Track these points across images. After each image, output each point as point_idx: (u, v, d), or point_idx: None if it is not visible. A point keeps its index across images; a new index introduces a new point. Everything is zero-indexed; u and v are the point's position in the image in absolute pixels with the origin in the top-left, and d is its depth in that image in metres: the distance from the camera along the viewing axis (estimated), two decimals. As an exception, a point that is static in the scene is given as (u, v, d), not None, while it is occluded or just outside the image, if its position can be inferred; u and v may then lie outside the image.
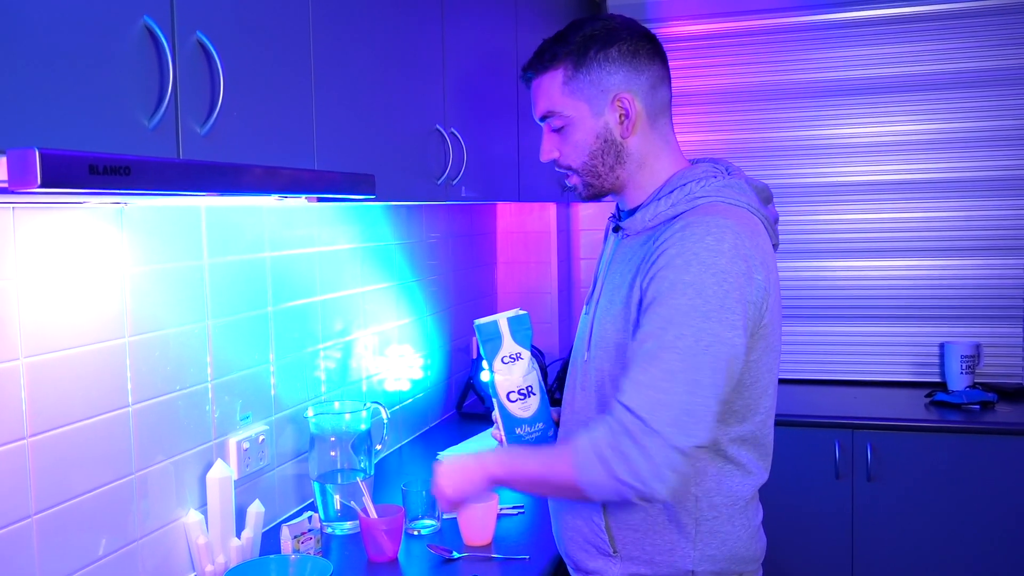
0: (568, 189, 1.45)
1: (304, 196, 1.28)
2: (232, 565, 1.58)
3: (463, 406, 2.82)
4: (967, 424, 2.64)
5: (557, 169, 1.43)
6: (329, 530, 1.81)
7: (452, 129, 1.89)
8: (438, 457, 1.50)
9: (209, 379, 1.65)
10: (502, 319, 1.47)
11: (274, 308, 1.86)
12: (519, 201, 2.41)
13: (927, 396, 2.91)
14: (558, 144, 1.41)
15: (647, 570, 1.36)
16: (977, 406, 2.77)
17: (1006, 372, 3.04)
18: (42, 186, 0.76)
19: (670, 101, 1.41)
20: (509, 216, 3.26)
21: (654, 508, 1.33)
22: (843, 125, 3.14)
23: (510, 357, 1.46)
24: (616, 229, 1.44)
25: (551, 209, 3.21)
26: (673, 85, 1.43)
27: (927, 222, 3.09)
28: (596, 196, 1.44)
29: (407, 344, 2.50)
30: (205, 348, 1.64)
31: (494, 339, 1.46)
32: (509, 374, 1.46)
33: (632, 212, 1.41)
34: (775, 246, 1.39)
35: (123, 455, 1.45)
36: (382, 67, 1.63)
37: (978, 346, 2.97)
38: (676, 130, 1.45)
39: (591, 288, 1.49)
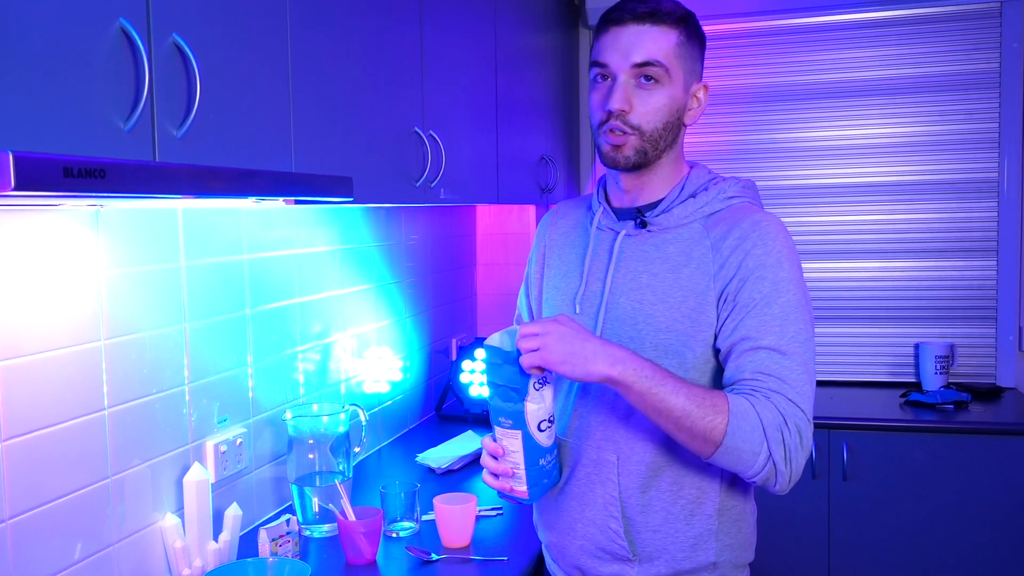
0: (610, 150, 1.35)
1: (281, 198, 1.28)
2: (209, 568, 1.57)
3: (442, 408, 2.82)
4: (941, 424, 2.67)
5: (613, 124, 1.33)
6: (307, 533, 1.80)
7: (431, 131, 1.89)
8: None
9: (186, 382, 1.64)
10: None
11: (252, 310, 1.85)
12: (498, 203, 2.42)
13: (902, 396, 2.94)
14: (636, 99, 1.33)
15: (667, 569, 1.36)
16: (951, 406, 2.80)
17: (979, 372, 3.08)
18: (16, 188, 0.76)
19: None
20: (488, 218, 3.26)
21: (675, 506, 1.35)
22: (817, 128, 3.17)
23: (540, 382, 1.29)
24: (643, 224, 1.39)
25: (530, 211, 3.22)
26: None
27: (901, 224, 3.12)
28: (638, 166, 1.36)
29: (386, 346, 2.50)
30: (182, 351, 1.63)
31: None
32: (542, 401, 1.30)
33: (649, 208, 1.40)
34: None
35: (99, 458, 1.44)
36: (360, 69, 1.63)
37: (952, 346, 3.00)
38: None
39: (578, 284, 1.43)
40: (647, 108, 1.33)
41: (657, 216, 1.38)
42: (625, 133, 1.34)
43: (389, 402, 2.52)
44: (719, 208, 1.37)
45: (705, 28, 1.43)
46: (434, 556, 1.68)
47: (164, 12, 1.10)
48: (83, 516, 1.41)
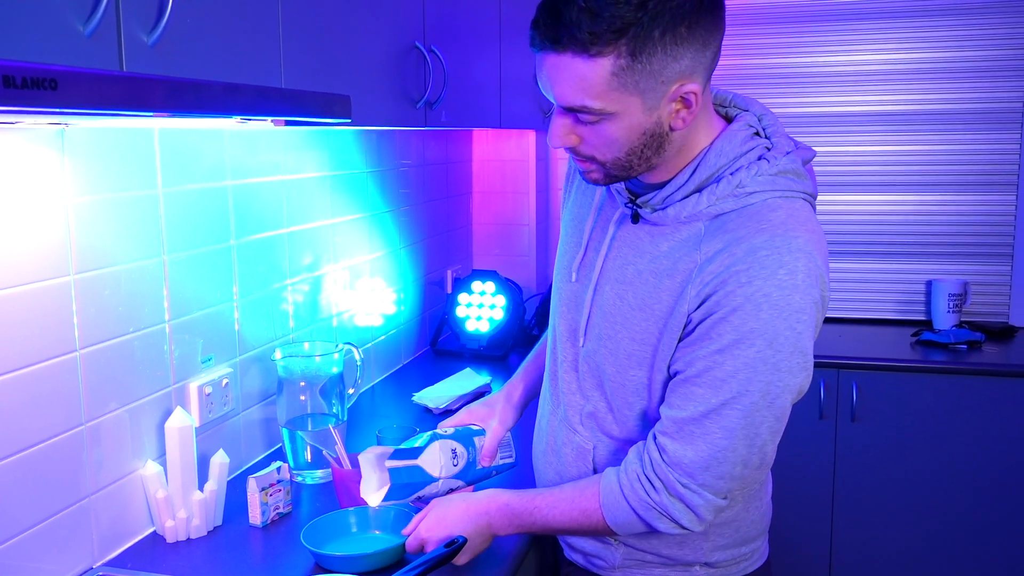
0: (582, 173, 1.15)
1: (270, 118, 1.13)
2: (195, 520, 1.46)
3: (437, 343, 2.71)
4: (954, 365, 2.58)
5: (572, 155, 1.14)
6: (299, 479, 1.70)
7: (432, 47, 1.73)
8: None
9: (166, 319, 1.51)
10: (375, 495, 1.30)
11: (237, 241, 1.71)
12: (500, 127, 2.26)
13: (913, 335, 2.84)
14: (582, 132, 1.08)
15: (652, 559, 1.26)
16: (964, 346, 2.71)
17: (993, 311, 2.98)
18: (-56, 101, 0.61)
19: None
20: (485, 143, 3.10)
21: None
22: (828, 53, 3.00)
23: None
24: (635, 218, 1.18)
25: (530, 136, 3.05)
26: None
27: (916, 155, 2.98)
28: (620, 179, 1.15)
29: (379, 278, 2.36)
30: (161, 285, 1.50)
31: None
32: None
33: (652, 188, 1.16)
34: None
35: (72, 404, 1.31)
36: (356, -26, 1.46)
37: (966, 284, 2.90)
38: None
39: (580, 251, 1.27)
40: (596, 142, 1.08)
41: (652, 212, 1.15)
42: (585, 161, 1.12)
43: (382, 337, 2.40)
44: (730, 208, 1.10)
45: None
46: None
47: None
48: (56, 465, 1.29)
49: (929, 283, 2.98)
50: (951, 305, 2.87)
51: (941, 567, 2.63)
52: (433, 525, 1.27)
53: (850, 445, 2.64)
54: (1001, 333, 2.82)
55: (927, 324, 2.98)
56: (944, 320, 2.88)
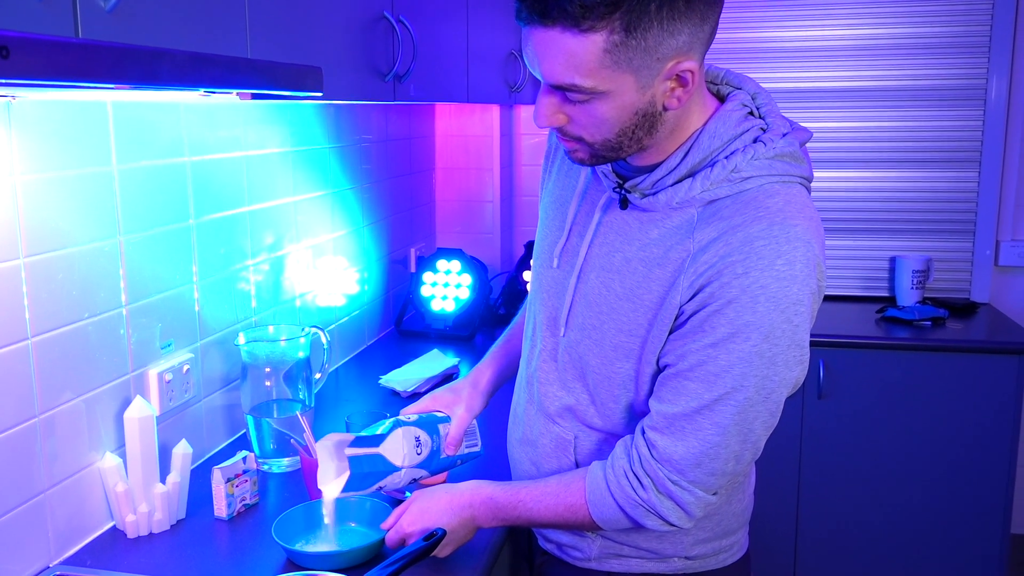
0: (567, 153, 1.10)
1: (236, 91, 1.05)
2: (157, 514, 1.39)
3: (402, 322, 2.65)
4: (918, 341, 2.60)
5: (557, 134, 1.08)
6: (265, 467, 1.63)
7: (400, 16, 1.65)
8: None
9: (123, 303, 1.43)
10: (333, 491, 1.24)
11: (196, 220, 1.63)
12: (467, 102, 2.19)
13: (878, 312, 2.85)
14: (570, 111, 1.02)
15: (630, 552, 1.23)
16: (928, 322, 2.72)
17: (955, 287, 3.00)
18: None
19: None
20: (448, 118, 3.02)
21: None
22: (788, 28, 2.97)
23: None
24: (624, 204, 1.13)
25: (494, 111, 2.99)
26: None
27: (879, 132, 2.98)
28: (608, 160, 1.10)
29: (342, 257, 2.29)
30: (118, 267, 1.42)
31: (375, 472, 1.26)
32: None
33: (642, 171, 1.11)
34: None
35: (24, 395, 1.23)
36: (322, -61, 1.38)
37: (929, 261, 2.91)
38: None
39: (562, 236, 1.21)
40: (585, 122, 1.02)
41: (642, 198, 1.10)
42: (571, 141, 1.07)
43: (346, 318, 2.34)
44: (724, 194, 1.05)
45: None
46: (408, 494, 1.53)
47: None
48: (8, 460, 1.21)
49: (893, 259, 2.99)
50: (914, 281, 2.89)
51: (906, 542, 2.66)
52: (415, 518, 1.22)
53: (816, 422, 2.65)
54: (963, 309, 2.85)
55: (891, 300, 3.00)
56: (907, 296, 2.90)
